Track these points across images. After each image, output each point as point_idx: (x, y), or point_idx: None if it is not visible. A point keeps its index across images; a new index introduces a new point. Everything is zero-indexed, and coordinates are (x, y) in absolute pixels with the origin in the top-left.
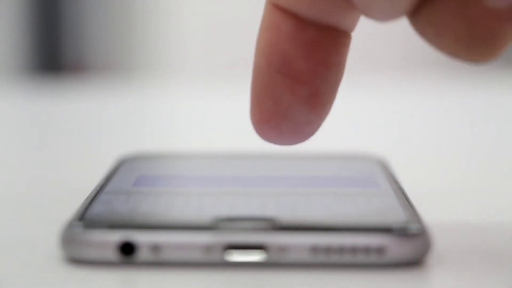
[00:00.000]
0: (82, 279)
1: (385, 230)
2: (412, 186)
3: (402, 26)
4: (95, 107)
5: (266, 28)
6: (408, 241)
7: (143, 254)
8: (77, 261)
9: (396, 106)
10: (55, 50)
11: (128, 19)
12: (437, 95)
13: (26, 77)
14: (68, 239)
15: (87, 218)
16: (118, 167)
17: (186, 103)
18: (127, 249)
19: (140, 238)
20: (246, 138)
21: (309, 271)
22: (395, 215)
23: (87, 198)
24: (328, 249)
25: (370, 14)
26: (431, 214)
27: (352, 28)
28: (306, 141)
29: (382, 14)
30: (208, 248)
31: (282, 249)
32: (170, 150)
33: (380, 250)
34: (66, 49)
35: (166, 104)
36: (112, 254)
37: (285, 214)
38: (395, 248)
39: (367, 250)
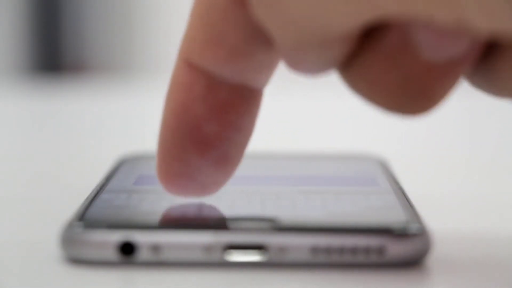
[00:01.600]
0: (82, 279)
1: (385, 230)
2: (412, 186)
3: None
4: (95, 107)
5: (177, 86)
6: (408, 241)
7: (143, 254)
8: (77, 261)
9: None
10: (55, 50)
11: (128, 19)
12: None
13: (26, 77)
14: (68, 239)
15: (87, 218)
16: (118, 167)
17: None
18: (127, 249)
19: (140, 238)
20: None
21: (309, 271)
22: (395, 215)
23: (87, 198)
24: (328, 249)
25: (297, 67)
26: (431, 214)
27: (264, 86)
28: (210, 195)
29: (310, 67)
30: (208, 248)
31: (282, 249)
32: None
33: (380, 250)
34: (66, 49)
35: None
36: (112, 254)
37: (285, 214)
38: (395, 248)
39: (367, 250)
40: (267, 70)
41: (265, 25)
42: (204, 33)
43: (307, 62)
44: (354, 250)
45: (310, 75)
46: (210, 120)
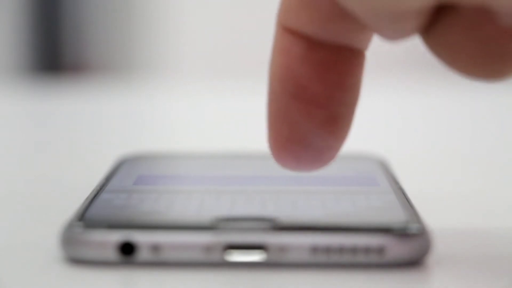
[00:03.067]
0: (82, 279)
1: (385, 230)
2: (412, 186)
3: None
4: (95, 107)
5: (278, 52)
6: (408, 241)
7: (143, 254)
8: (77, 261)
9: (396, 106)
10: (55, 50)
11: (128, 19)
12: (437, 95)
13: (26, 77)
14: (68, 239)
15: (87, 218)
16: (118, 167)
17: (186, 103)
18: (127, 249)
19: (140, 238)
20: (246, 138)
21: (309, 271)
22: (395, 215)
23: (87, 198)
24: (328, 249)
25: (381, 33)
26: (431, 214)
27: (365, 47)
28: (326, 166)
29: (392, 33)
30: (208, 248)
31: (282, 249)
32: (170, 150)
33: (380, 250)
34: (66, 49)
35: (166, 104)
36: (112, 254)
37: (285, 214)
38: (395, 248)
39: (367, 250)
40: (364, 33)
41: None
42: None
43: (386, 31)
44: (354, 250)
45: (394, 41)
46: (313, 80)
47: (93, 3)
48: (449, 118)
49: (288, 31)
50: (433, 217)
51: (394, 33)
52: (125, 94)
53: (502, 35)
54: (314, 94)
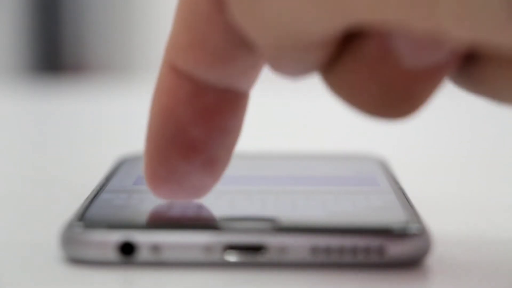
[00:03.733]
0: (82, 279)
1: (385, 230)
2: (412, 186)
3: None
4: (95, 107)
5: (162, 91)
6: (408, 241)
7: (143, 254)
8: (77, 261)
9: None
10: (55, 50)
11: (128, 19)
12: (437, 95)
13: (26, 77)
14: (68, 239)
15: (87, 218)
16: (118, 166)
17: None
18: (127, 249)
19: (140, 238)
20: (245, 138)
21: (309, 271)
22: (395, 215)
23: (87, 198)
24: (328, 249)
25: (279, 70)
26: (431, 215)
27: (250, 88)
28: (198, 198)
29: (291, 70)
30: (208, 248)
31: (282, 249)
32: None
33: (380, 250)
34: (66, 49)
35: None
36: (112, 254)
37: (285, 214)
38: (395, 248)
39: (367, 250)
40: (252, 73)
41: (243, 29)
42: (187, 37)
43: (287, 66)
44: (354, 250)
45: (292, 78)
46: (195, 125)
47: (93, 3)
48: (449, 118)
49: (174, 71)
50: (433, 217)
51: (294, 68)
52: (125, 94)
53: (403, 78)
54: (194, 139)
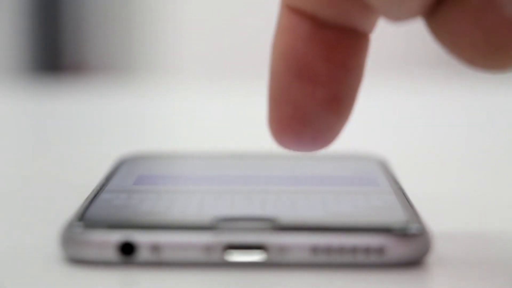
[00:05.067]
0: (82, 279)
1: (385, 230)
2: (412, 186)
3: (403, 27)
4: (95, 107)
5: (282, 31)
6: (408, 241)
7: (143, 254)
8: (77, 261)
9: (396, 106)
10: (55, 50)
11: (128, 19)
12: (437, 95)
13: (26, 77)
14: (68, 239)
15: (87, 218)
16: (118, 167)
17: (186, 103)
18: (127, 249)
19: (140, 238)
20: (246, 138)
21: (309, 271)
22: (395, 215)
23: (87, 198)
24: (328, 249)
25: (385, 14)
26: (431, 214)
27: (370, 30)
28: (326, 148)
29: (396, 14)
30: (208, 248)
31: (282, 249)
32: (170, 150)
33: (380, 250)
34: (66, 49)
35: (166, 104)
36: (112, 254)
37: (285, 214)
38: (395, 248)
39: (367, 250)
40: (370, 14)
41: None
42: None
43: (392, 9)
44: (354, 250)
45: (398, 22)
46: (317, 60)
47: (93, 3)
48: (450, 118)
49: (292, 11)
50: (433, 217)
51: (398, 13)
52: (125, 94)
53: (506, 27)
54: (317, 74)
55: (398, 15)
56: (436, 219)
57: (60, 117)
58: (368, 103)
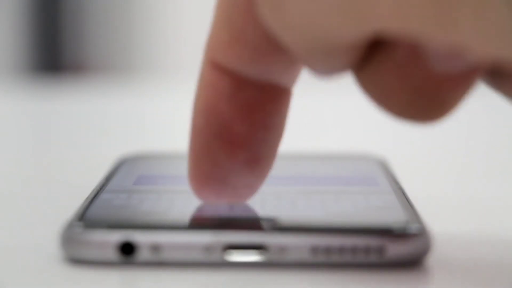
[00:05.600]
0: (82, 279)
1: (385, 230)
2: (412, 186)
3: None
4: (95, 107)
5: (204, 87)
6: (408, 241)
7: (143, 254)
8: (77, 261)
9: None
10: (55, 50)
11: (128, 19)
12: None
13: (26, 77)
14: (68, 239)
15: (87, 218)
16: (118, 167)
17: (186, 103)
18: (127, 249)
19: (140, 238)
20: None
21: (309, 271)
22: (395, 215)
23: (87, 198)
24: (328, 249)
25: (312, 68)
26: (431, 215)
27: (292, 84)
28: (244, 201)
29: (324, 68)
30: (208, 248)
31: (282, 249)
32: (170, 150)
33: (380, 250)
34: (66, 49)
35: (166, 104)
36: (112, 254)
37: (285, 214)
38: (395, 248)
39: (367, 250)
40: (292, 69)
41: (271, 29)
42: (227, 32)
43: (318, 66)
44: (354, 250)
45: (325, 77)
46: (238, 120)
47: (93, 3)
48: (450, 118)
49: (215, 67)
50: (433, 217)
51: (325, 68)
52: (125, 94)
53: (432, 82)
54: (237, 134)
55: (326, 69)
56: (436, 219)
57: (60, 117)
58: (368, 103)
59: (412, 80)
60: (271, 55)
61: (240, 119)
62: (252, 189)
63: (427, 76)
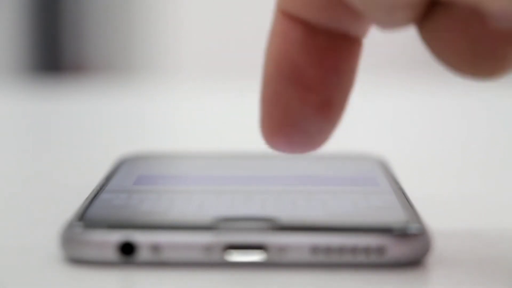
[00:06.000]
0: (82, 279)
1: (385, 230)
2: (412, 186)
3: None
4: (95, 107)
5: (275, 35)
6: (408, 241)
7: (143, 254)
8: (77, 261)
9: (397, 106)
10: (55, 50)
11: (128, 19)
12: (437, 95)
13: (26, 77)
14: (68, 239)
15: (87, 218)
16: (118, 167)
17: (186, 103)
18: (127, 249)
19: (140, 238)
20: (246, 138)
21: (309, 271)
22: (395, 215)
23: (87, 198)
24: (328, 249)
25: (376, 22)
26: (431, 214)
27: (363, 35)
28: (317, 150)
29: (387, 22)
30: (208, 248)
31: (282, 249)
32: (170, 150)
33: (380, 250)
34: (66, 49)
35: (166, 104)
36: (112, 254)
37: (285, 214)
38: (395, 248)
39: (367, 250)
40: (360, 21)
41: None
42: None
43: (382, 18)
44: (354, 250)
45: (389, 29)
46: (310, 65)
47: (93, 3)
48: (449, 118)
49: (286, 16)
50: (433, 217)
51: (389, 22)
52: (125, 94)
53: (493, 37)
54: (309, 79)
55: (389, 23)
56: (436, 219)
57: (60, 117)
58: (368, 103)
59: (473, 34)
60: (338, 7)
61: (312, 64)
62: (323, 135)
63: (487, 31)
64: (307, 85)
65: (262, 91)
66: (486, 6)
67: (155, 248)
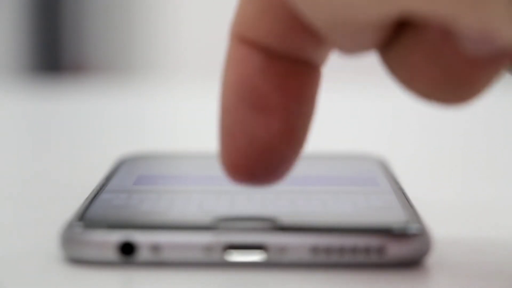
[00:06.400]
0: (82, 279)
1: (385, 230)
2: (412, 186)
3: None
4: (95, 107)
5: (233, 62)
6: (408, 241)
7: (143, 254)
8: (77, 261)
9: (397, 106)
10: (55, 50)
11: (128, 19)
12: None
13: (26, 77)
14: (68, 239)
15: (87, 218)
16: (118, 167)
17: (186, 103)
18: (127, 249)
19: (140, 238)
20: None
21: (309, 271)
22: (395, 215)
23: (87, 198)
24: (328, 249)
25: (338, 46)
26: (430, 215)
27: (322, 63)
28: (279, 182)
29: (349, 47)
30: (208, 248)
31: (282, 249)
32: (170, 150)
33: (380, 250)
34: (66, 49)
35: (166, 104)
36: (112, 254)
37: (285, 214)
38: (395, 248)
39: (367, 250)
40: (322, 47)
41: (298, 6)
42: (255, 7)
43: (344, 44)
44: (354, 250)
45: (351, 56)
46: (271, 90)
47: (93, 3)
48: (449, 118)
49: (243, 42)
50: (433, 217)
51: (351, 46)
52: (125, 94)
53: (462, 62)
54: (272, 105)
55: (351, 47)
56: (436, 219)
57: (60, 117)
58: (368, 103)
59: (441, 61)
60: (299, 32)
61: (275, 90)
62: (286, 166)
63: (456, 57)
64: (270, 111)
65: (222, 122)
66: (461, 22)
67: (155, 248)
